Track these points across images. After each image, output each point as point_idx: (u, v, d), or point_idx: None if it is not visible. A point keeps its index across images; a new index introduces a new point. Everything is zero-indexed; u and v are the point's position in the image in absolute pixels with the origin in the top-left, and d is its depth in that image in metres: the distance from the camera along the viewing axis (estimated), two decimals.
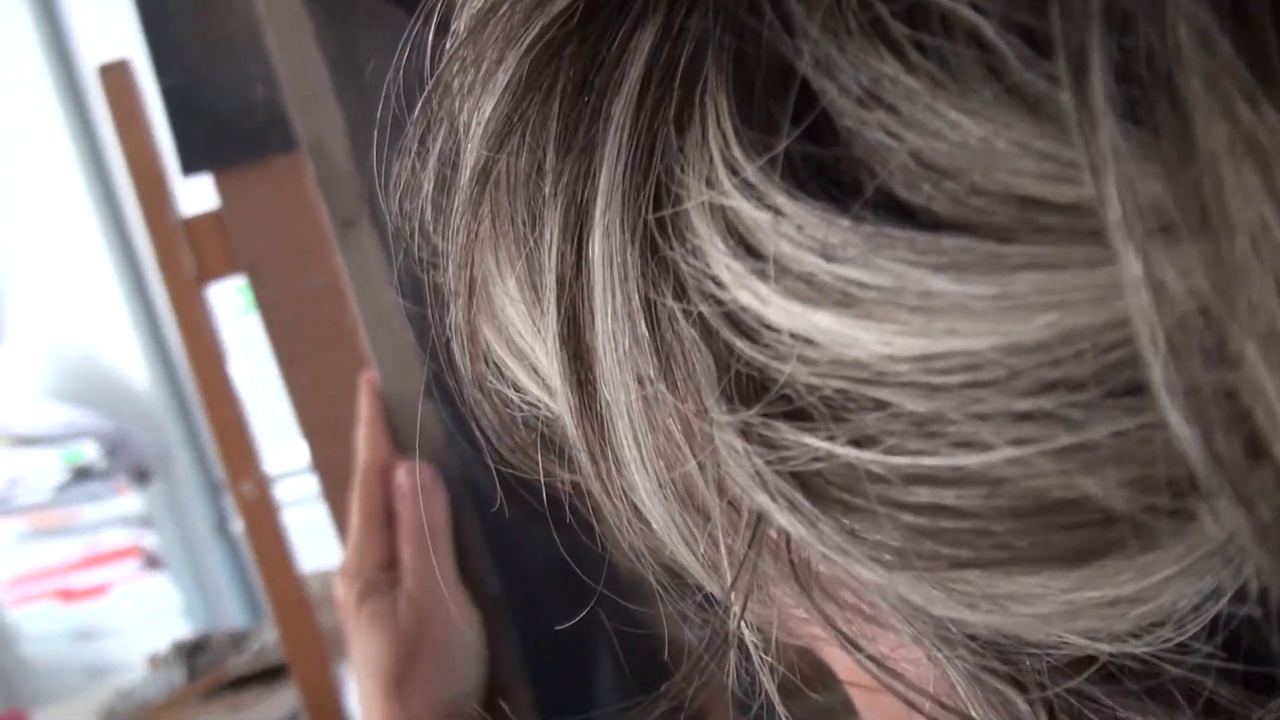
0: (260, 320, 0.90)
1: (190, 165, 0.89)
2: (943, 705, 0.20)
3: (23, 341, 1.92)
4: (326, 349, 0.90)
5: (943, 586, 0.18)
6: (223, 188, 0.89)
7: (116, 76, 0.88)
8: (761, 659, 0.22)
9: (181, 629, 1.86)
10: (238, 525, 1.99)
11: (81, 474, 1.82)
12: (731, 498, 0.19)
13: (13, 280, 1.90)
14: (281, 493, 0.90)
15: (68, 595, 1.89)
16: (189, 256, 0.88)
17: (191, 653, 1.10)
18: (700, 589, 0.23)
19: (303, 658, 0.92)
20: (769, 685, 0.22)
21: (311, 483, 1.39)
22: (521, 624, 0.49)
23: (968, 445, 0.16)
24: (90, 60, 1.81)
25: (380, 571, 0.53)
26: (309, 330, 0.90)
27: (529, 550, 0.51)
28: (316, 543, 0.99)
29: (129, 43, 0.95)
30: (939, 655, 0.20)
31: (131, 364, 1.89)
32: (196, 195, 0.93)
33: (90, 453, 1.81)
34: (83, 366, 1.89)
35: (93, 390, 1.88)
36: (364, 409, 0.54)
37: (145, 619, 1.88)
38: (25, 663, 1.96)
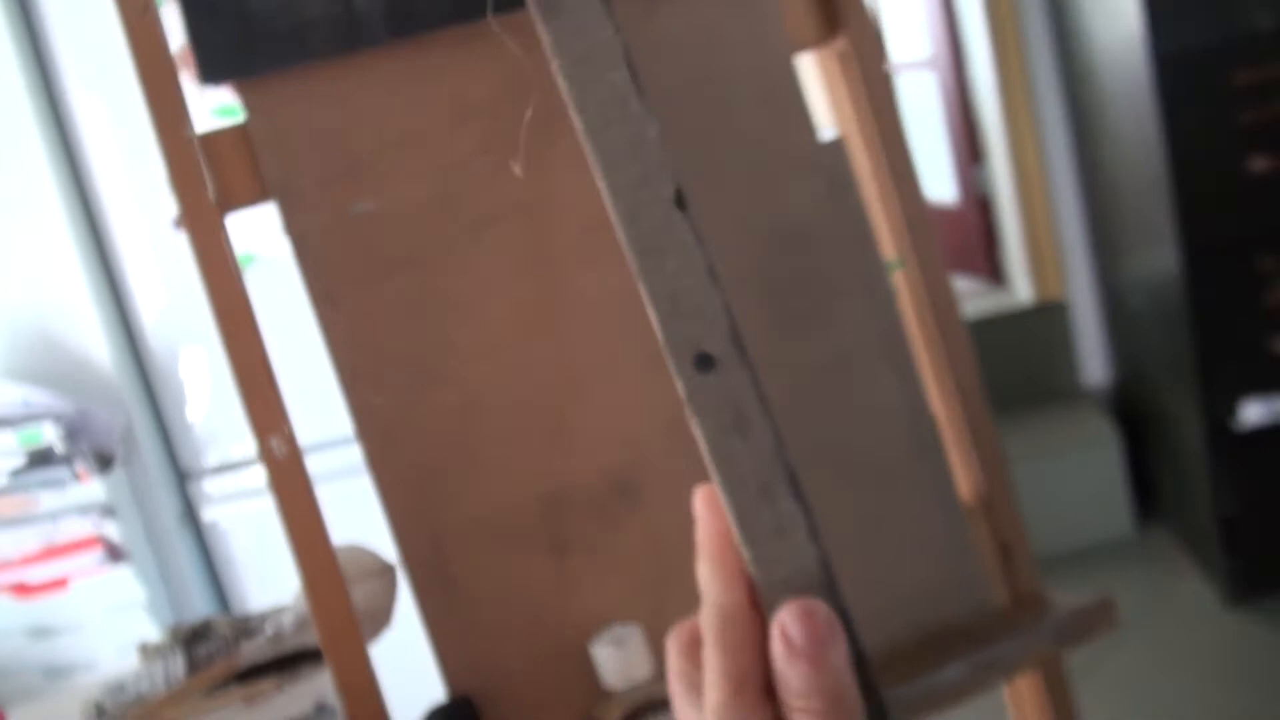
0: (293, 253, 0.80)
1: (211, 72, 0.78)
2: None
3: None
4: (371, 285, 0.80)
5: None
6: (249, 99, 0.78)
7: None
8: None
9: (146, 625, 1.77)
10: (206, 514, 1.88)
11: (39, 458, 1.73)
12: None
13: None
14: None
15: (24, 590, 1.79)
16: (210, 179, 0.77)
17: (190, 640, 0.99)
18: None
19: (336, 637, 0.82)
20: None
21: (324, 460, 1.27)
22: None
23: None
24: None
25: None
26: (351, 264, 0.80)
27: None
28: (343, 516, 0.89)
29: None
30: None
31: (93, 339, 1.79)
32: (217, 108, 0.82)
33: (49, 435, 1.72)
34: (40, 342, 1.78)
35: (51, 368, 1.78)
36: (702, 529, 0.37)
37: (107, 615, 1.80)
38: None
